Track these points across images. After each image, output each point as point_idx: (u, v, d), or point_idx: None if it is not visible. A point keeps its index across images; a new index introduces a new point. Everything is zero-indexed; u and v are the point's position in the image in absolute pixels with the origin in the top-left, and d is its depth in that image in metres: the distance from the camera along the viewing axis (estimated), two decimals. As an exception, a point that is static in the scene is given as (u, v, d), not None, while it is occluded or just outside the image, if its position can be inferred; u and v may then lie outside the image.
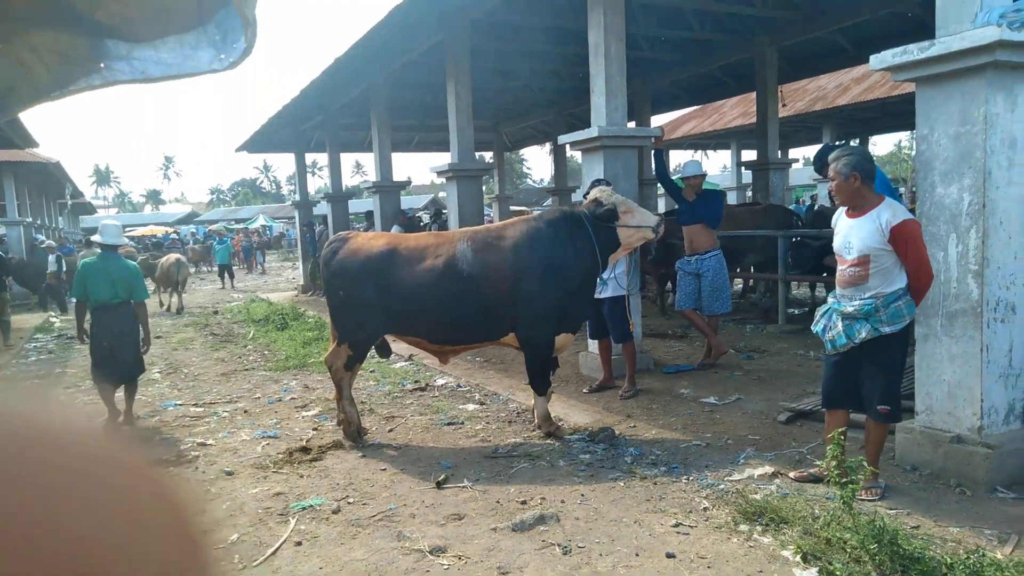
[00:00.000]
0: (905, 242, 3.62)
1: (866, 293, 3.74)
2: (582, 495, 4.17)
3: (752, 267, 10.35)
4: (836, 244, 3.91)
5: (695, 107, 20.51)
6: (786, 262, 8.70)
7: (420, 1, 8.10)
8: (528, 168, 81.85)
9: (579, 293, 5.44)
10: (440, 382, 7.46)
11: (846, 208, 3.89)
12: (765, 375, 6.61)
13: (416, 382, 7.50)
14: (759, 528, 3.56)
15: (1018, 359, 4.00)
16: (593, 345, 6.95)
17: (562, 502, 4.08)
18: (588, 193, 5.94)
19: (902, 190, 27.76)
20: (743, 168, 18.35)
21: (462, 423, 5.93)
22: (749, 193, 17.05)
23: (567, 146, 18.34)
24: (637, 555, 3.39)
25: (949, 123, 3.92)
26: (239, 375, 8.44)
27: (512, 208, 21.79)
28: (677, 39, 11.78)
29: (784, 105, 13.48)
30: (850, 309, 3.77)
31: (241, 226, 43.39)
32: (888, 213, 3.67)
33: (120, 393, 6.31)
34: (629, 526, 3.71)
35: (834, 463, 3.37)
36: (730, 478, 4.29)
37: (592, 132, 6.59)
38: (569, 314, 5.41)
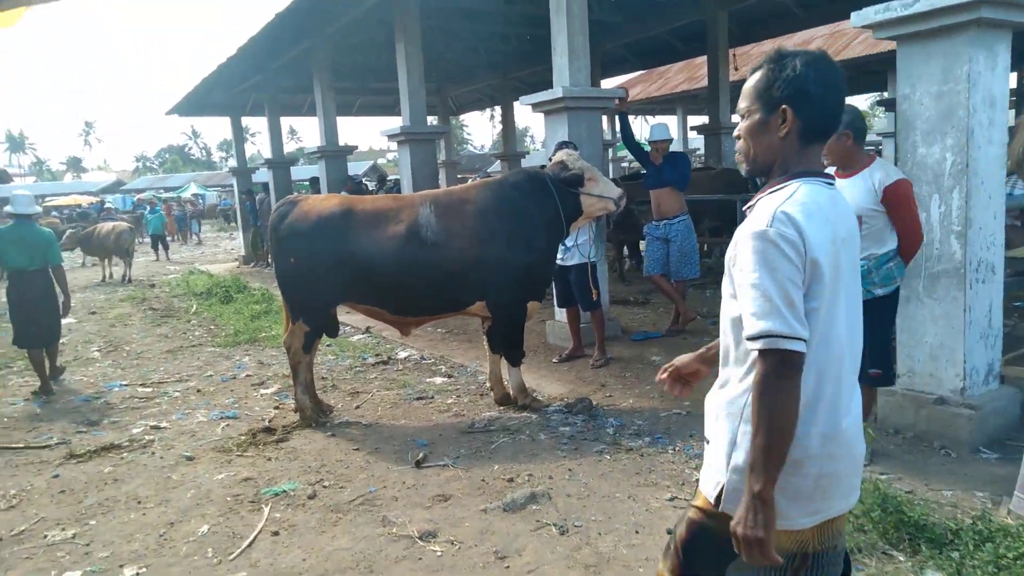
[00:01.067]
0: (898, 202, 3.56)
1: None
2: (569, 470, 4.06)
3: (707, 231, 10.37)
4: None
5: (642, 72, 20.40)
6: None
7: (370, -46, 7.66)
8: (468, 134, 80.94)
9: (545, 259, 5.29)
10: (403, 355, 7.24)
11: (835, 168, 3.81)
12: (734, 339, 6.60)
13: (378, 355, 7.26)
14: (755, 497, 3.51)
15: (996, 319, 4.05)
16: (560, 314, 6.83)
17: (550, 478, 3.96)
18: (553, 156, 5.75)
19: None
20: (695, 133, 18.38)
21: (432, 397, 5.75)
22: (700, 157, 17.14)
23: (514, 110, 18.12)
24: (637, 532, 3.30)
25: (931, 82, 3.87)
26: (186, 352, 8.03)
27: (459, 175, 21.42)
28: (627, 1, 11.56)
29: (736, 69, 13.47)
30: None
31: (172, 194, 41.60)
32: (881, 172, 3.60)
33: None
34: (624, 501, 3.62)
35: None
36: (716, 446, 4.24)
37: (556, 93, 6.37)
38: (536, 281, 5.26)
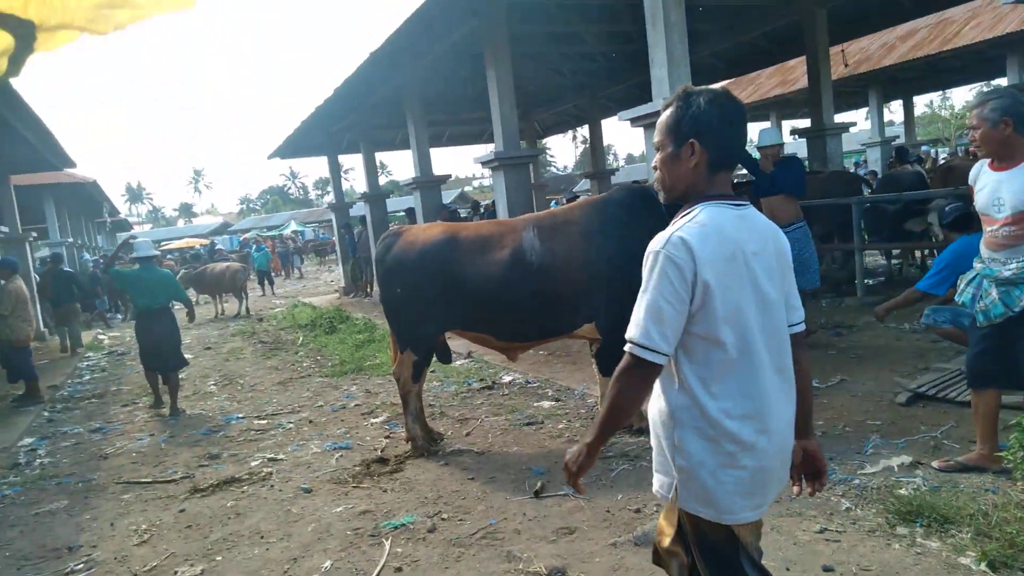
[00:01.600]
0: None
1: None
2: (700, 499, 3.77)
3: (817, 238, 9.82)
4: (981, 202, 3.45)
5: (730, 80, 19.84)
6: (860, 230, 8.17)
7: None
8: (552, 156, 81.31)
9: None
10: (507, 379, 7.11)
11: (990, 160, 3.43)
12: (863, 352, 6.12)
13: (482, 380, 7.16)
14: (920, 530, 3.14)
15: None
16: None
17: (680, 508, 3.69)
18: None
19: (944, 151, 26.71)
20: (794, 137, 17.64)
21: (542, 422, 5.58)
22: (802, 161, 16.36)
23: (601, 129, 17.93)
24: (788, 569, 2.99)
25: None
26: (296, 383, 8.20)
27: (547, 197, 21.37)
28: (717, 7, 11.22)
29: (847, 66, 12.81)
30: (1007, 274, 3.32)
31: (273, 232, 43.58)
32: None
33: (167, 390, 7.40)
34: (767, 534, 3.29)
35: (1021, 453, 2.94)
36: (863, 471, 3.86)
37: (656, 105, 6.14)
38: None
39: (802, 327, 1.93)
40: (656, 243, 1.75)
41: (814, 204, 8.46)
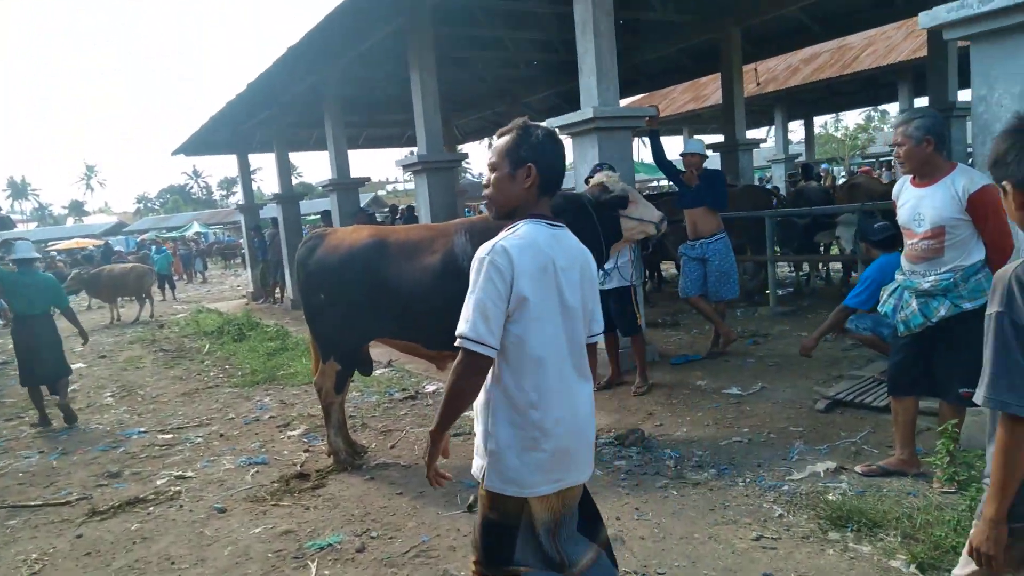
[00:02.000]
0: (985, 210, 3.31)
1: (942, 267, 3.43)
2: (636, 509, 3.75)
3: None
4: (903, 217, 3.58)
5: (644, 95, 20.37)
6: (773, 242, 8.48)
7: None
8: (468, 162, 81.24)
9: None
10: (431, 388, 6.95)
11: (912, 176, 3.57)
12: (781, 360, 6.32)
13: (404, 390, 6.96)
14: (851, 535, 3.21)
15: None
16: (595, 340, 6.54)
17: (618, 519, 3.66)
18: (591, 177, 5.54)
19: (840, 170, 28.33)
20: (710, 151, 18.24)
21: (469, 433, 5.44)
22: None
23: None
24: (729, 579, 2.99)
25: (1012, 81, 3.62)
26: (203, 394, 7.74)
27: (467, 204, 21.25)
28: (640, 21, 11.46)
29: (759, 84, 13.34)
30: (926, 286, 3.46)
31: (175, 234, 41.54)
32: (965, 179, 3.36)
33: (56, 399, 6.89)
34: (705, 543, 3.31)
35: (947, 458, 3.04)
36: (791, 477, 3.94)
37: (586, 113, 6.16)
38: None
39: (599, 338, 2.25)
40: (482, 251, 1.99)
41: (730, 216, 8.73)
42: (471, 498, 4.07)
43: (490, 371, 2.02)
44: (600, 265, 5.11)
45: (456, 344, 1.94)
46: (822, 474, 3.91)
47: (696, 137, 7.14)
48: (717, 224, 6.50)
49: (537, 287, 1.99)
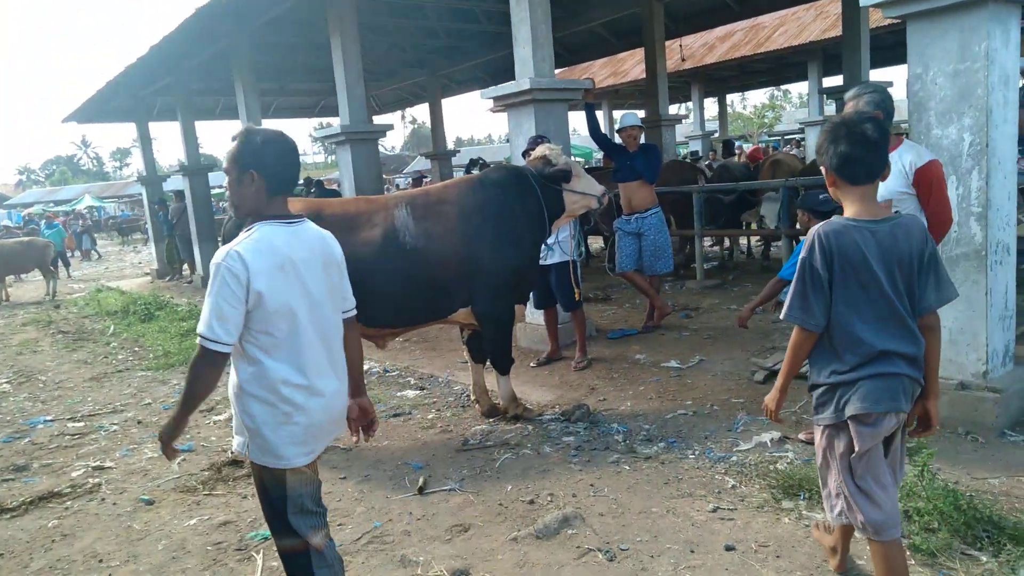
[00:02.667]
0: (929, 184, 3.40)
1: None
2: (591, 485, 3.73)
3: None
4: None
5: (564, 68, 20.37)
6: (700, 217, 8.65)
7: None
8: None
9: (532, 260, 4.97)
10: (364, 367, 6.72)
11: None
12: (715, 333, 6.45)
13: (335, 370, 6.72)
14: (803, 503, 3.29)
15: (1011, 301, 3.99)
16: (533, 315, 6.50)
17: (574, 496, 3.62)
18: (531, 150, 5.44)
19: (747, 145, 29.38)
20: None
21: (409, 413, 5.30)
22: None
23: (442, 108, 17.64)
24: (693, 551, 3.00)
25: (947, 60, 3.75)
26: (113, 378, 7.24)
27: (384, 176, 20.72)
28: (563, -6, 11.37)
29: (684, 59, 13.50)
30: None
31: (66, 208, 38.78)
32: (912, 154, 3.43)
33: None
34: (664, 517, 3.32)
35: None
36: (738, 448, 4.02)
37: (523, 84, 6.03)
38: (523, 283, 4.93)
39: (353, 313, 2.54)
40: (218, 256, 2.16)
41: (659, 191, 8.84)
42: (420, 480, 3.95)
43: (241, 356, 2.23)
44: (543, 240, 5.04)
45: (197, 342, 2.14)
46: (768, 444, 4.01)
47: (630, 111, 7.13)
48: (652, 199, 6.53)
49: (274, 284, 2.18)
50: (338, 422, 2.45)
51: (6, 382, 7.46)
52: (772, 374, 5.11)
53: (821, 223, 2.29)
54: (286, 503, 2.30)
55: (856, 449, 2.29)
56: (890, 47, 14.45)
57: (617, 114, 24.01)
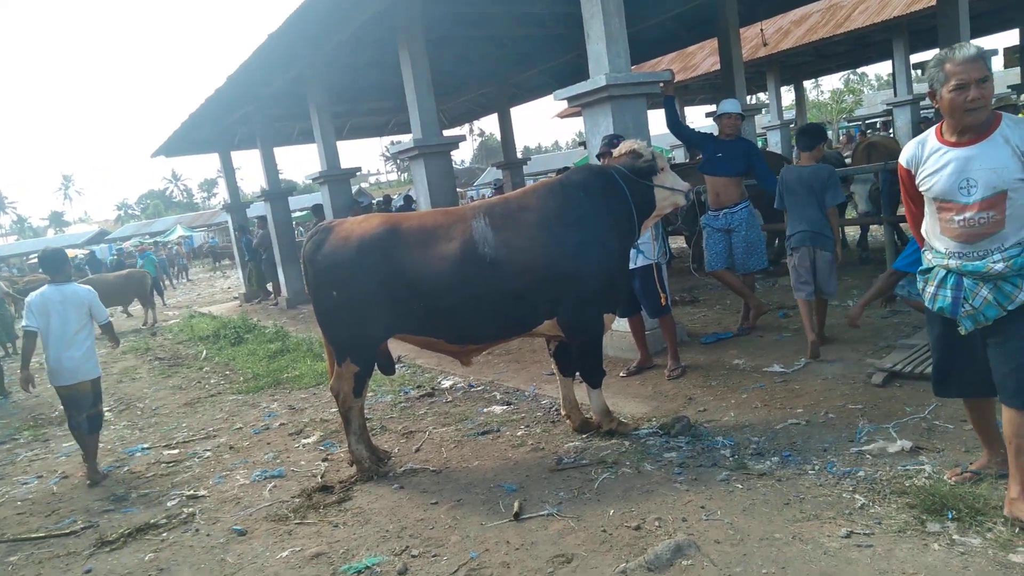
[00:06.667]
0: None
1: (1007, 242, 2.78)
2: (702, 507, 3.41)
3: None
4: (939, 186, 2.87)
5: (633, 67, 19.96)
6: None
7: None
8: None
9: (621, 265, 4.67)
10: (446, 384, 6.60)
11: (941, 134, 2.92)
12: (819, 333, 6.00)
13: (419, 387, 6.61)
14: (952, 525, 2.89)
15: None
16: (618, 323, 6.19)
17: (684, 520, 3.32)
18: (606, 152, 5.18)
19: (829, 132, 28.03)
20: (710, 120, 17.89)
21: (498, 430, 5.10)
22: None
23: (511, 117, 17.53)
24: (830, 585, 2.66)
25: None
26: (205, 403, 7.36)
27: (457, 189, 20.78)
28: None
29: (766, 44, 12.94)
30: (998, 268, 2.77)
31: (159, 239, 40.83)
32: (1018, 132, 2.79)
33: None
34: (790, 544, 2.98)
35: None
36: (866, 462, 3.62)
37: (598, 82, 5.77)
38: (613, 290, 4.64)
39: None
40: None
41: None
42: (515, 505, 3.73)
43: None
44: (632, 243, 4.76)
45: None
46: (899, 456, 3.59)
47: (732, 98, 6.75)
48: (741, 192, 6.15)
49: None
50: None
51: (108, 410, 7.68)
52: (892, 376, 4.65)
53: None
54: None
55: None
56: (990, 13, 13.41)
57: (689, 110, 23.42)
